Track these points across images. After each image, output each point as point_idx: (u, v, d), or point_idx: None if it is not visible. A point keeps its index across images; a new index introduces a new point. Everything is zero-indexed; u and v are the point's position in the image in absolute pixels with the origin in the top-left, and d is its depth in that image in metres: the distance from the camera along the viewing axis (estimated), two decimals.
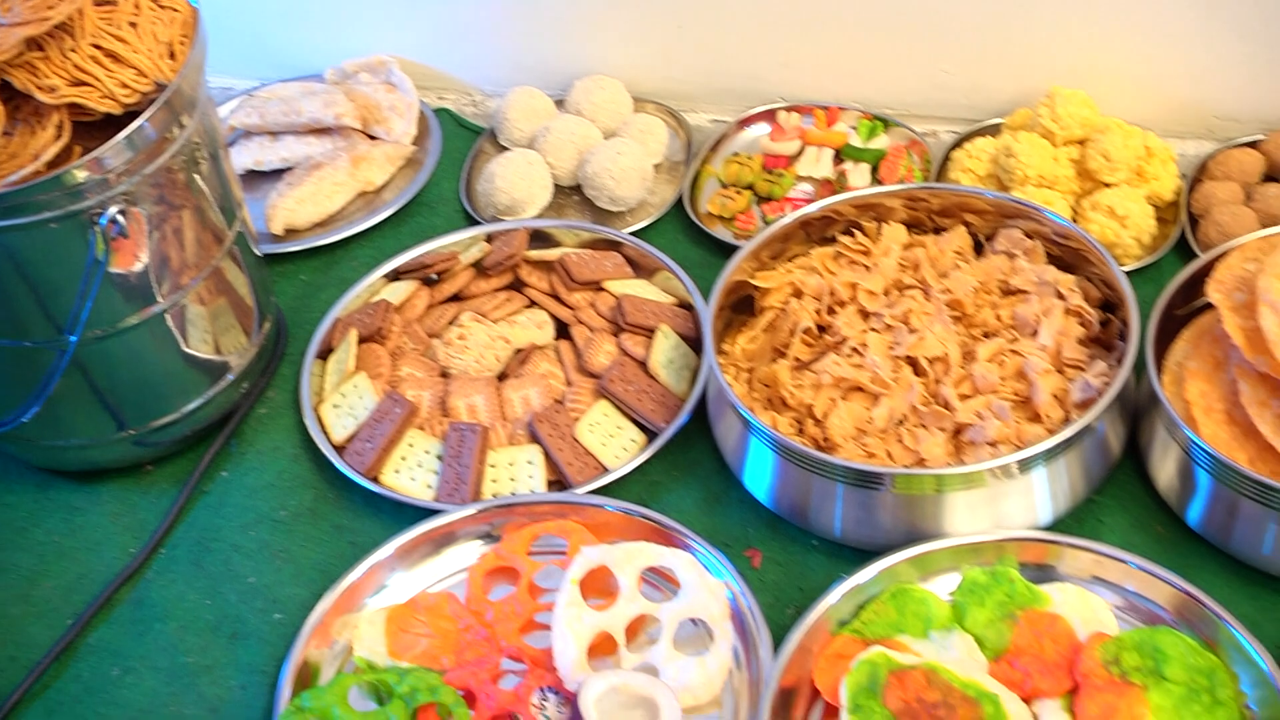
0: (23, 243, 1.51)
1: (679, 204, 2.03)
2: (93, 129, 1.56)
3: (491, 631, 1.56)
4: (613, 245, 1.93)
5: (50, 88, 1.52)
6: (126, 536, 1.72)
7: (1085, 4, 1.91)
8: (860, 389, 1.63)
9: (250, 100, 2.20)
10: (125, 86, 1.55)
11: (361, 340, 1.84)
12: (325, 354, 1.86)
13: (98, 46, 1.55)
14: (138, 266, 1.60)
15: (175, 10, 1.63)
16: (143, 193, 1.55)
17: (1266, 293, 1.50)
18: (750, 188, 2.02)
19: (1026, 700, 1.43)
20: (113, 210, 1.51)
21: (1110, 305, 1.68)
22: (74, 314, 1.57)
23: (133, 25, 1.58)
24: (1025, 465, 1.52)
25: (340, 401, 1.77)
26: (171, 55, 1.59)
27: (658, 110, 2.17)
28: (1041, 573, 1.53)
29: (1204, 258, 1.64)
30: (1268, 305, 1.50)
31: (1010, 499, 1.55)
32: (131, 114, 1.53)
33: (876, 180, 2.00)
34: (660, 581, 1.58)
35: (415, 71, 2.24)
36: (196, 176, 1.64)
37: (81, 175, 1.48)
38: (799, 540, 1.63)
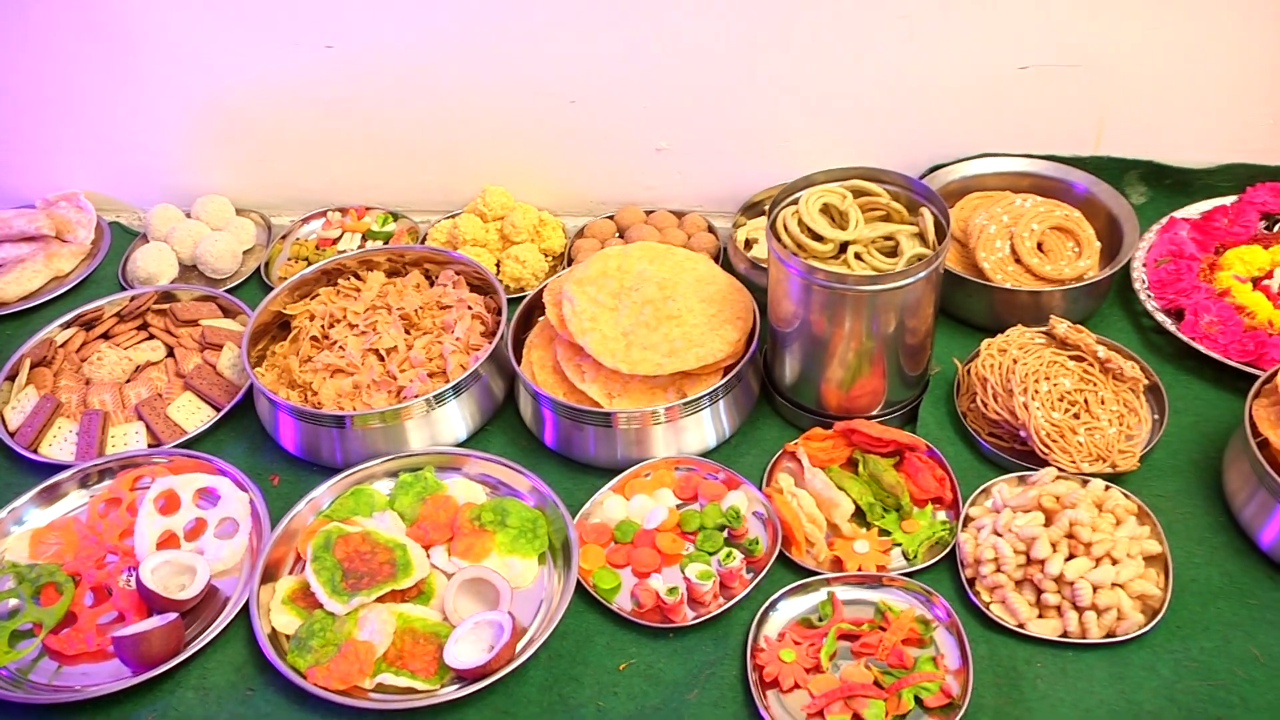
0: None
1: (259, 272, 2.31)
2: None
3: (100, 538, 1.80)
4: (212, 299, 2.20)
5: None
6: None
7: (506, 131, 2.22)
8: (341, 370, 1.94)
9: None
10: None
11: (34, 366, 2.08)
12: (13, 378, 2.09)
13: None
14: None
15: None
16: None
17: (565, 291, 1.88)
18: (306, 260, 2.30)
19: (426, 547, 1.72)
20: None
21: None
22: None
23: None
24: (438, 400, 1.84)
25: (16, 405, 2.03)
26: None
27: (252, 215, 2.43)
28: (451, 472, 1.83)
29: (546, 282, 2.00)
30: (566, 299, 1.88)
31: (437, 425, 1.86)
32: None
33: None
34: (211, 497, 1.84)
35: (98, 199, 2.47)
36: None
37: None
38: (310, 469, 1.89)
